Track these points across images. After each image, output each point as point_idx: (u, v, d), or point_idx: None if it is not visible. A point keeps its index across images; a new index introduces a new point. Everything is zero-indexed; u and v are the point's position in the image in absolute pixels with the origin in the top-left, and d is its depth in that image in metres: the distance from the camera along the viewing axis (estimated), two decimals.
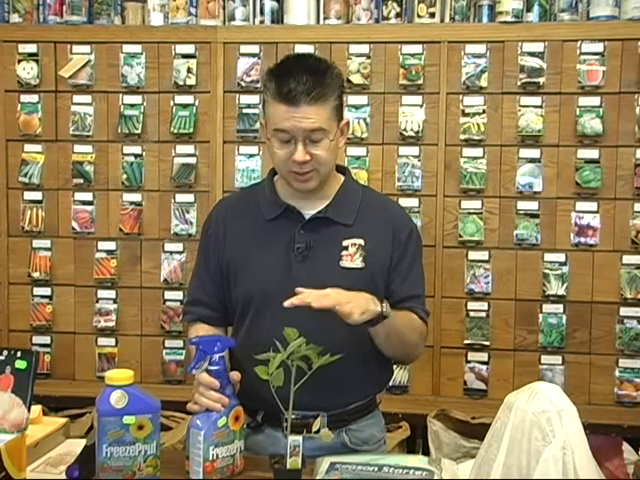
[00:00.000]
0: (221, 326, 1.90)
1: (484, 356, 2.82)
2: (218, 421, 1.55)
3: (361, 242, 1.74)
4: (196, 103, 2.90)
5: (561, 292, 2.76)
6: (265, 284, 1.76)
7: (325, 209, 1.79)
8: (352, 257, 1.72)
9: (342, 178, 1.86)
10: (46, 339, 2.99)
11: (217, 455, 1.54)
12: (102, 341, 2.97)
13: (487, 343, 2.81)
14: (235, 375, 1.63)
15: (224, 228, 1.84)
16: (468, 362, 2.83)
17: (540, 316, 2.78)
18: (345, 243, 1.74)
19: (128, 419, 1.47)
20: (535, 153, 2.77)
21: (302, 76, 1.65)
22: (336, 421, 1.77)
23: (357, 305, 1.60)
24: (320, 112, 1.67)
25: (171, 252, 2.93)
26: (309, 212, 1.79)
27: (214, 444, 1.54)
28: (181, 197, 2.92)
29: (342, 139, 1.79)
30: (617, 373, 2.76)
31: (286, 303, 1.57)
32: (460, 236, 2.80)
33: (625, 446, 2.74)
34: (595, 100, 2.73)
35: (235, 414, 1.58)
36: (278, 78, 1.68)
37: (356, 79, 2.81)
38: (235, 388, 1.63)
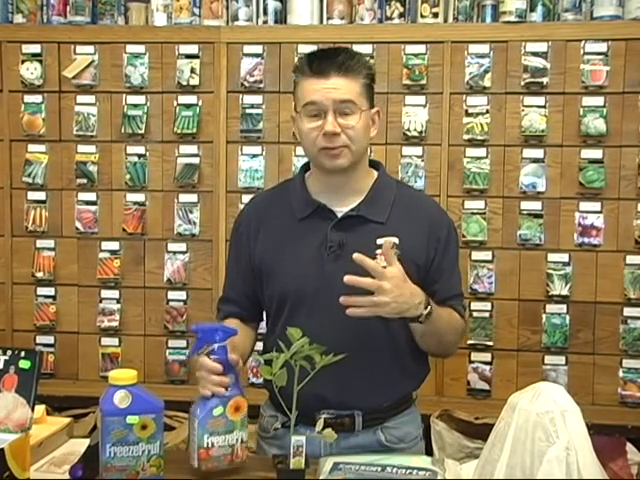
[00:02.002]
0: (251, 322, 1.90)
1: (487, 356, 2.82)
2: (214, 410, 1.55)
3: (395, 240, 1.70)
4: (199, 103, 2.90)
5: (565, 292, 2.75)
6: (299, 283, 1.75)
7: (358, 207, 1.77)
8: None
9: (375, 173, 1.84)
10: (50, 339, 2.99)
11: (212, 443, 1.54)
12: (105, 341, 2.97)
13: (490, 343, 2.81)
14: (234, 358, 1.60)
15: (256, 226, 1.84)
16: (471, 362, 2.82)
17: (544, 316, 2.78)
18: (379, 241, 1.70)
19: (131, 419, 1.47)
20: (539, 153, 2.77)
21: (332, 53, 1.73)
22: (371, 419, 1.76)
23: (395, 305, 1.58)
24: (350, 85, 1.69)
25: (174, 252, 2.93)
26: (341, 209, 1.77)
27: (209, 432, 1.53)
28: (184, 197, 2.92)
29: (374, 129, 1.79)
30: (621, 373, 2.75)
31: (342, 299, 1.57)
32: (463, 236, 2.79)
33: (629, 447, 2.73)
34: (599, 100, 2.73)
35: (235, 404, 1.57)
36: (309, 57, 1.74)
37: None
38: (238, 375, 1.61)
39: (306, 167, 1.87)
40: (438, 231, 1.79)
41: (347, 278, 1.56)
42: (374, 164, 1.87)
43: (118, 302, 2.96)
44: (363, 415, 1.75)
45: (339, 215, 1.77)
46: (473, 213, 2.79)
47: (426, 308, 1.64)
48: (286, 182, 1.97)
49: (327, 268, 1.73)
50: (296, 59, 2.65)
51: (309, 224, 1.78)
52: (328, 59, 1.70)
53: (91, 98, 2.95)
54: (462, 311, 1.84)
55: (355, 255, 1.56)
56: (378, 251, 1.66)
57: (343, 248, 1.73)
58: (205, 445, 1.53)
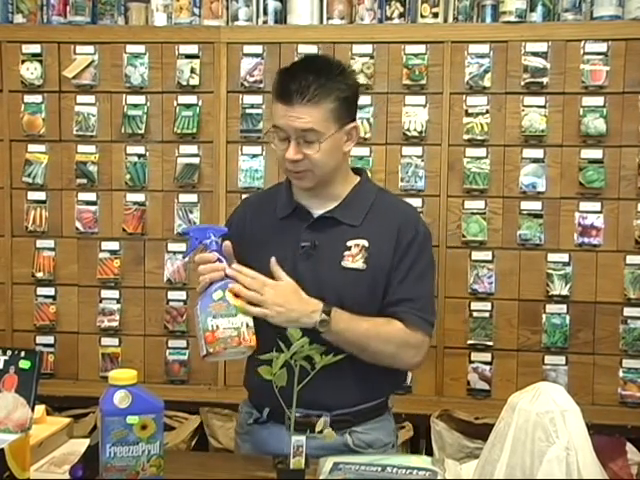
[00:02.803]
0: None
1: (487, 356, 2.82)
2: (213, 294, 1.58)
3: (365, 243, 1.76)
4: (199, 103, 2.91)
5: (564, 292, 2.75)
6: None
7: (333, 209, 1.81)
8: (354, 257, 1.74)
9: (357, 179, 1.86)
10: (50, 339, 2.99)
11: (217, 326, 1.56)
12: (105, 341, 2.97)
13: (490, 343, 2.81)
14: (228, 244, 1.67)
15: (243, 226, 1.88)
16: (471, 362, 2.82)
17: (543, 316, 2.78)
18: (349, 244, 1.76)
19: (131, 419, 1.47)
20: (538, 153, 2.77)
21: (302, 76, 1.69)
22: (340, 421, 1.76)
23: (280, 312, 1.64)
24: (313, 113, 1.68)
25: (174, 252, 2.93)
26: (318, 211, 1.81)
27: (212, 315, 1.56)
28: (184, 197, 2.92)
29: (350, 143, 1.79)
30: (621, 373, 2.75)
31: (228, 271, 1.63)
32: (463, 236, 2.80)
33: (629, 447, 2.73)
34: (599, 100, 2.73)
35: (234, 290, 1.60)
36: (280, 77, 1.74)
37: (359, 79, 2.80)
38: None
39: None
40: (403, 236, 1.79)
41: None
42: (358, 171, 1.90)
43: (118, 302, 2.96)
44: (332, 417, 1.75)
45: (315, 216, 1.81)
46: (473, 213, 2.79)
47: (321, 316, 1.65)
48: (278, 185, 2.01)
49: (299, 267, 1.76)
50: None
51: (288, 224, 1.82)
52: (294, 84, 1.67)
53: (91, 98, 2.95)
54: (416, 321, 1.76)
55: (228, 271, 1.63)
56: (346, 253, 1.72)
57: (315, 248, 1.76)
58: (210, 328, 1.55)
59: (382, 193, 1.92)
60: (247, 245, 1.83)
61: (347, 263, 1.74)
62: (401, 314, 1.76)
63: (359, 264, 1.75)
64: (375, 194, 1.86)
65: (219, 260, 1.63)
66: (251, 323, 1.59)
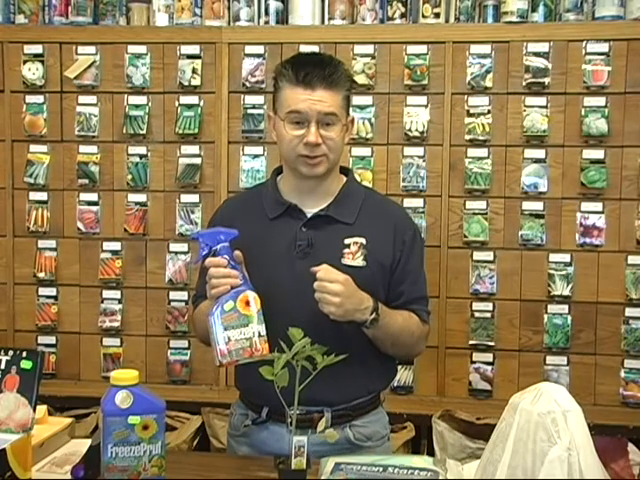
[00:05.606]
0: None
1: (489, 357, 2.82)
2: (224, 305, 1.59)
3: (363, 241, 1.78)
4: (201, 103, 2.91)
5: (566, 293, 2.75)
6: (268, 282, 1.76)
7: (327, 207, 1.83)
8: (354, 255, 1.77)
9: (344, 179, 1.90)
10: (51, 339, 3.00)
11: (229, 338, 1.57)
12: (107, 341, 2.97)
13: (492, 344, 2.81)
14: (239, 254, 1.67)
15: (228, 227, 1.85)
16: (473, 363, 2.82)
17: (545, 317, 2.78)
18: (347, 241, 1.78)
19: (133, 419, 1.47)
20: (540, 153, 2.77)
21: (318, 63, 1.76)
22: (340, 417, 1.79)
23: (341, 307, 1.66)
24: (334, 98, 1.75)
25: (176, 252, 2.93)
26: (311, 210, 1.83)
27: (223, 327, 1.57)
28: (186, 197, 2.92)
29: (347, 135, 1.85)
30: (622, 374, 2.75)
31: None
32: (465, 236, 2.80)
33: (630, 447, 2.73)
34: (600, 100, 2.73)
35: (244, 298, 1.60)
36: (295, 65, 1.77)
37: (361, 79, 2.81)
38: (244, 273, 1.67)
39: (278, 170, 1.92)
40: (403, 234, 1.85)
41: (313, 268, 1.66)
42: (344, 170, 1.93)
43: (120, 302, 2.96)
44: (332, 412, 1.78)
45: (309, 215, 1.82)
46: (475, 213, 2.79)
47: (372, 314, 1.71)
48: (258, 186, 2.04)
49: (296, 266, 1.77)
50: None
51: (280, 224, 1.83)
52: (315, 70, 1.74)
53: (93, 98, 2.95)
54: (425, 316, 1.89)
55: (313, 269, 1.66)
56: (345, 250, 1.75)
57: (312, 247, 1.78)
58: (222, 340, 1.57)
59: (369, 192, 1.97)
60: (237, 247, 1.83)
61: (347, 261, 1.77)
62: (417, 312, 1.85)
63: (359, 261, 1.78)
64: (363, 192, 1.91)
65: (230, 265, 1.63)
66: (263, 331, 1.59)
